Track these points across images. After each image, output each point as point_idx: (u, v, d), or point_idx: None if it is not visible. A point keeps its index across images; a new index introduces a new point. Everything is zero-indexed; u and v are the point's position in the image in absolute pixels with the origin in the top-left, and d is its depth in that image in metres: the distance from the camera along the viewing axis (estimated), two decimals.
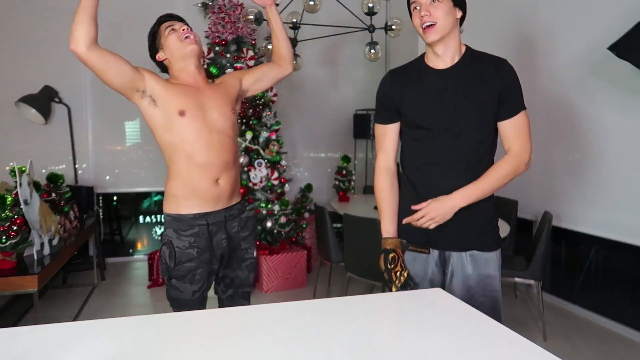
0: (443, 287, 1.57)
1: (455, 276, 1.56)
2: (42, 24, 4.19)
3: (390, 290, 1.54)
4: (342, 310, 1.18)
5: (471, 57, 1.54)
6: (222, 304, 1.96)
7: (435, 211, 1.47)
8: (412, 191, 1.61)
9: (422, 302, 1.20)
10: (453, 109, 1.49)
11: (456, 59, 1.53)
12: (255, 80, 1.96)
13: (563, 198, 3.31)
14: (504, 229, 2.83)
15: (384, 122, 1.65)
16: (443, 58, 1.53)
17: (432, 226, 1.49)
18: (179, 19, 1.85)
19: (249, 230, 1.91)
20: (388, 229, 1.62)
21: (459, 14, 1.52)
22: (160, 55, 1.83)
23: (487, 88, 1.47)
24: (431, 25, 1.46)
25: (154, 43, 1.85)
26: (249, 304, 1.94)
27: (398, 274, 1.53)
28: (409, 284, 1.52)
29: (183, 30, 1.78)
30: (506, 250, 3.44)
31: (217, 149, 1.72)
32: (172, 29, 1.79)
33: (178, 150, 1.69)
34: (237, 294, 1.93)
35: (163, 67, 1.89)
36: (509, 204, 3.54)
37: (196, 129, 1.69)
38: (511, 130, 1.51)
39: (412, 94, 1.56)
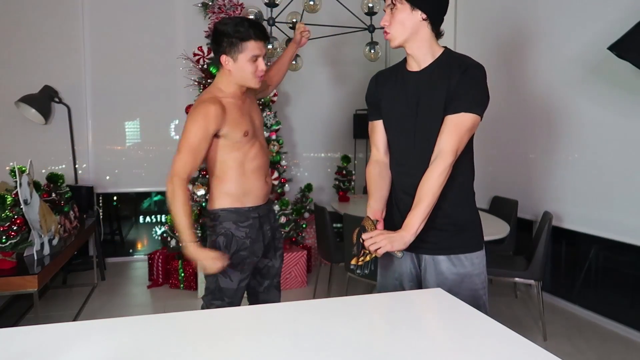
0: (420, 284, 1.59)
1: (429, 273, 1.54)
2: (43, 24, 4.19)
3: (349, 264, 1.53)
4: (342, 310, 1.18)
5: (444, 60, 1.50)
6: (256, 298, 2.05)
7: (382, 242, 1.42)
8: (393, 193, 1.64)
9: (422, 302, 1.20)
10: (416, 112, 1.51)
11: (428, 62, 1.52)
12: (269, 79, 2.18)
13: (563, 198, 3.31)
14: (504, 229, 2.83)
15: (371, 118, 1.71)
16: (416, 61, 1.53)
17: (380, 252, 1.43)
18: (268, 39, 1.87)
19: (278, 222, 2.15)
20: (373, 206, 1.62)
21: (422, 15, 1.46)
22: (225, 61, 1.80)
23: (445, 90, 1.45)
24: (386, 33, 1.51)
25: (230, 43, 1.76)
26: (280, 294, 2.10)
27: (366, 252, 1.47)
28: (370, 268, 1.46)
29: (262, 69, 1.80)
30: (506, 250, 3.45)
31: (262, 154, 1.91)
32: (254, 60, 1.78)
33: (235, 160, 1.83)
34: (272, 284, 2.05)
35: (217, 57, 1.86)
36: (509, 204, 3.54)
37: (251, 142, 1.86)
38: (447, 126, 1.43)
39: (388, 95, 1.61)
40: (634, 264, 2.92)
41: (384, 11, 1.54)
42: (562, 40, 3.27)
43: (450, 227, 1.52)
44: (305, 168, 4.97)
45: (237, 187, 1.85)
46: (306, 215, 4.18)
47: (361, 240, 1.47)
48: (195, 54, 4.02)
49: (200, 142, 1.73)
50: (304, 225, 4.13)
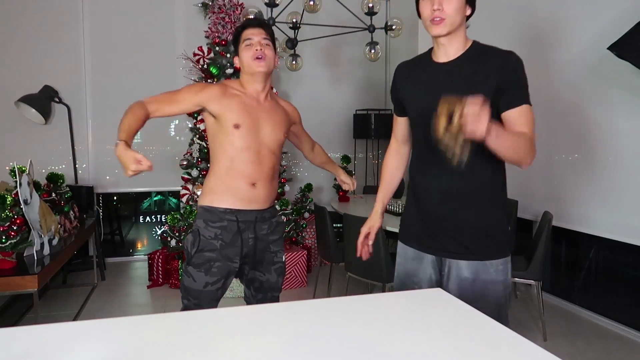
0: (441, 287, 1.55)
1: (451, 279, 1.49)
2: (43, 24, 4.19)
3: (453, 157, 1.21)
4: (342, 310, 1.18)
5: (476, 51, 1.50)
6: None
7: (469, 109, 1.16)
8: (411, 193, 1.61)
9: (422, 302, 1.20)
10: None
11: (459, 53, 1.50)
12: (296, 138, 2.21)
13: (563, 198, 3.31)
14: None
15: (396, 113, 1.71)
16: (446, 52, 1.50)
17: (477, 130, 1.16)
18: (262, 25, 1.86)
19: (279, 234, 1.97)
20: (380, 198, 1.75)
21: (469, 10, 1.49)
22: (236, 62, 1.91)
23: (484, 81, 1.42)
24: (441, 19, 1.44)
25: (236, 45, 1.89)
26: None
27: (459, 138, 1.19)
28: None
29: (257, 50, 1.80)
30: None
31: (259, 161, 1.83)
32: (249, 44, 1.82)
33: (225, 153, 1.81)
34: (266, 297, 1.97)
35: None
36: (509, 204, 3.54)
37: (246, 141, 1.80)
38: (518, 119, 1.41)
39: (411, 86, 1.57)
40: (634, 264, 2.92)
41: None
42: (562, 40, 3.27)
43: (477, 231, 1.45)
44: (305, 168, 4.97)
45: (218, 183, 1.83)
46: (306, 215, 4.18)
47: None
48: (195, 54, 4.02)
49: (182, 96, 1.77)
50: (304, 225, 4.13)
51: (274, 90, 4.16)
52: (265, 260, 1.93)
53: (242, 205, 1.82)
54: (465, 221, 1.44)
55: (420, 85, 1.54)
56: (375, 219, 1.75)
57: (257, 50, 1.79)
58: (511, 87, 1.43)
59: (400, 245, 1.64)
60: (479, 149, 1.33)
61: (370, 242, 1.73)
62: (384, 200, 1.76)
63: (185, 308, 1.84)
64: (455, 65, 1.48)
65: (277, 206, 3.97)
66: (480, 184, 1.43)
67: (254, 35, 1.81)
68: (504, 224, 1.49)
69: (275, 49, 1.88)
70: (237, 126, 1.78)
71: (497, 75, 1.42)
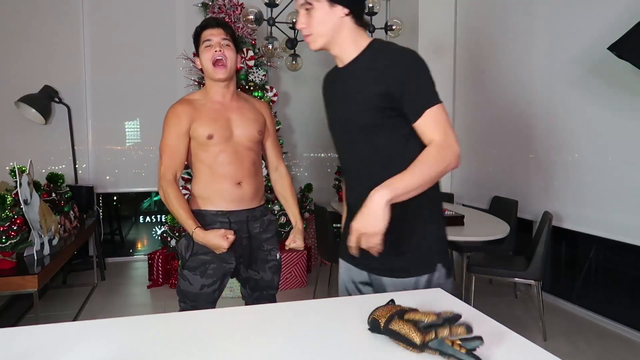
0: None
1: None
2: (43, 24, 4.19)
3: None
4: (342, 310, 1.18)
5: (370, 53, 1.33)
6: None
7: (357, 224, 1.18)
8: (347, 209, 1.51)
9: (422, 302, 1.20)
10: (343, 111, 1.38)
11: (352, 58, 1.35)
12: (263, 142, 2.02)
13: (563, 198, 3.31)
14: (504, 229, 2.83)
15: None
16: (340, 58, 1.38)
17: (373, 248, 1.20)
18: (221, 25, 1.81)
19: (272, 232, 1.96)
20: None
21: (343, 11, 1.30)
22: (197, 63, 1.88)
23: (370, 88, 1.28)
24: (307, 35, 1.34)
25: (196, 46, 1.86)
26: None
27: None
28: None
29: (216, 51, 1.76)
30: (506, 250, 3.45)
31: (239, 160, 1.82)
32: (208, 45, 1.78)
33: (204, 160, 1.81)
34: (262, 296, 1.97)
35: None
36: (509, 204, 3.54)
37: (222, 146, 1.79)
38: (426, 130, 1.26)
39: (326, 97, 1.52)
40: (634, 264, 2.92)
41: (296, 11, 1.36)
42: (562, 40, 3.27)
43: (396, 250, 1.33)
44: (305, 168, 4.97)
45: (203, 187, 1.82)
46: (306, 215, 4.18)
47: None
48: (195, 54, 4.02)
49: (176, 140, 1.78)
50: (304, 225, 4.13)
51: (274, 91, 4.17)
52: (259, 259, 1.92)
53: (232, 206, 1.82)
54: (386, 239, 1.22)
55: (328, 97, 1.49)
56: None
57: (216, 51, 1.76)
58: (406, 93, 1.25)
59: (340, 259, 1.57)
60: (379, 160, 1.33)
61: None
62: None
63: (182, 311, 1.84)
64: (348, 71, 1.36)
65: (272, 206, 3.97)
66: (400, 205, 1.23)
67: (213, 36, 1.78)
68: (429, 240, 1.37)
69: (237, 49, 1.83)
70: (210, 136, 1.78)
71: (384, 81, 1.26)
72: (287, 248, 2.00)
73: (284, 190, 2.07)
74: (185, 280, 1.80)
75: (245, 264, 1.91)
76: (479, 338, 0.90)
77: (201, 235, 1.69)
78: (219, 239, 1.68)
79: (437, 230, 1.40)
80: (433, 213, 1.40)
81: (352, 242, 1.22)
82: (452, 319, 0.91)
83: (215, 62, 1.76)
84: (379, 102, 1.28)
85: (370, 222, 1.17)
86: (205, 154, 1.80)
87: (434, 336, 0.90)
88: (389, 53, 1.29)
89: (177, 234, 3.84)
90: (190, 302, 1.81)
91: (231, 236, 1.70)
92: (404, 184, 1.19)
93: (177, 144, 1.78)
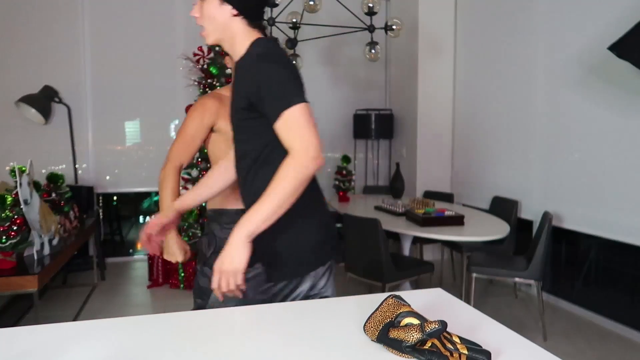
0: None
1: None
2: (43, 24, 4.19)
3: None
4: (342, 310, 1.18)
5: (247, 54, 1.32)
6: None
7: (217, 263, 1.22)
8: None
9: (422, 302, 1.20)
10: (231, 105, 1.40)
11: (237, 58, 1.35)
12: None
13: (563, 198, 3.31)
14: (504, 229, 2.83)
15: None
16: (231, 56, 1.38)
17: (235, 290, 1.22)
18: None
19: None
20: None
21: (232, 11, 1.28)
22: (227, 61, 1.90)
23: (243, 87, 1.29)
24: (202, 30, 1.34)
25: None
26: None
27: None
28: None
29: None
30: (506, 250, 3.45)
31: None
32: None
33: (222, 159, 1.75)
34: None
35: None
36: (509, 204, 3.54)
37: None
38: (283, 138, 1.22)
39: None
40: (634, 264, 2.92)
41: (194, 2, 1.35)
42: (562, 40, 3.27)
43: (267, 254, 1.33)
44: None
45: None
46: None
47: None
48: (195, 54, 4.02)
49: (195, 132, 1.77)
50: None
51: None
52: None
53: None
54: (258, 244, 1.26)
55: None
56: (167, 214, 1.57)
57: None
58: (260, 100, 1.23)
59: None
60: (253, 162, 1.32)
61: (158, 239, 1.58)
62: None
63: (198, 307, 1.84)
64: (237, 68, 1.35)
65: None
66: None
67: None
68: (298, 250, 1.34)
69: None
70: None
71: (247, 84, 1.26)
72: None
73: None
74: (205, 276, 1.80)
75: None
76: (486, 353, 0.89)
77: (171, 235, 1.70)
78: (177, 249, 1.71)
79: (309, 238, 1.36)
80: (306, 223, 1.34)
81: (214, 284, 1.22)
82: (435, 333, 0.89)
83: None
84: (246, 105, 1.28)
85: (229, 260, 1.20)
86: (231, 151, 1.76)
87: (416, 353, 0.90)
88: (252, 55, 1.28)
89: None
90: (209, 298, 1.80)
91: (188, 255, 1.73)
92: (260, 214, 1.19)
93: (195, 135, 1.78)
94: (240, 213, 1.70)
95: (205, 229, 1.89)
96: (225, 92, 1.85)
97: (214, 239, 1.81)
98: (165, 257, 1.75)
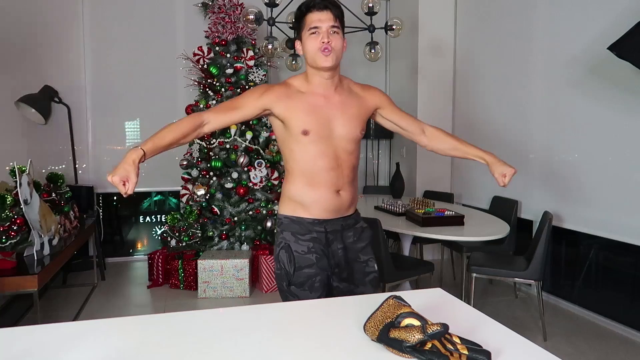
0: None
1: None
2: (43, 25, 4.19)
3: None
4: (342, 310, 1.18)
5: None
6: None
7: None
8: None
9: (422, 302, 1.20)
10: None
11: None
12: (391, 123, 1.82)
13: (563, 198, 3.31)
14: (504, 229, 2.83)
15: None
16: None
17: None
18: (330, 8, 1.58)
19: (366, 240, 1.78)
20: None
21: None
22: (298, 48, 1.67)
23: None
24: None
25: (298, 27, 1.65)
26: None
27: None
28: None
29: (324, 42, 1.55)
30: (506, 250, 3.45)
31: (338, 166, 1.65)
32: (314, 33, 1.58)
33: (300, 161, 1.66)
34: None
35: None
36: (509, 203, 3.54)
37: (320, 147, 1.63)
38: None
39: None
40: (634, 264, 2.92)
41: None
42: (562, 40, 3.27)
43: None
44: None
45: (301, 193, 1.67)
46: None
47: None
48: (195, 54, 4.02)
49: (243, 100, 1.63)
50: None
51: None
52: (356, 271, 1.72)
53: (329, 214, 1.67)
54: None
55: None
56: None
57: (324, 42, 1.55)
58: None
59: None
60: None
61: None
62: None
63: None
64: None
65: (272, 205, 3.96)
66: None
67: (322, 23, 1.56)
68: None
69: (343, 31, 1.65)
70: (305, 132, 1.61)
71: None
72: (502, 185, 1.68)
73: (445, 143, 1.80)
74: (294, 296, 1.65)
75: (342, 277, 1.72)
76: (486, 353, 0.89)
77: (128, 158, 1.42)
78: (120, 175, 1.37)
79: None
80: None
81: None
82: (436, 335, 0.90)
83: (323, 51, 1.56)
84: None
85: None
86: (302, 154, 1.64)
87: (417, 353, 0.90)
88: None
89: (177, 234, 3.84)
90: None
91: (123, 189, 1.36)
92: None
93: (241, 103, 1.62)
94: (317, 224, 1.65)
95: (276, 237, 1.73)
96: (296, 82, 1.69)
97: (292, 253, 1.65)
98: (109, 176, 1.38)
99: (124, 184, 1.36)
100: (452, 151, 1.80)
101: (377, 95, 1.80)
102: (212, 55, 4.00)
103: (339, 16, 1.60)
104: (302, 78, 1.69)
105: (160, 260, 3.84)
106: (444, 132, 1.83)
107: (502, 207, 3.57)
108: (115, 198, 4.61)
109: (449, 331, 0.91)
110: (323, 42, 1.55)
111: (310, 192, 1.65)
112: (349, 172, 1.68)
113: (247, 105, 1.62)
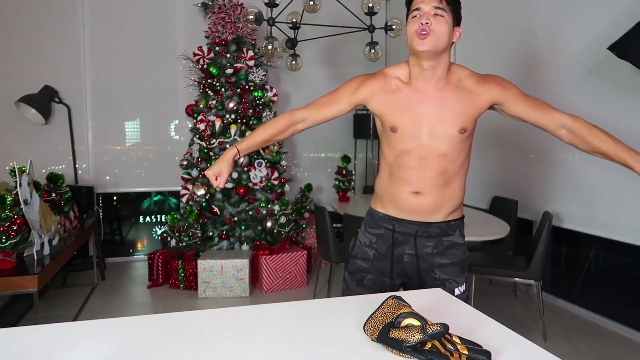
0: None
1: None
2: (43, 24, 4.19)
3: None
4: (342, 310, 1.18)
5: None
6: None
7: None
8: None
9: (422, 302, 1.20)
10: None
11: None
12: (517, 118, 1.65)
13: (563, 198, 3.31)
14: (504, 229, 2.83)
15: None
16: None
17: None
18: None
19: (452, 259, 1.58)
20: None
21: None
22: (404, 37, 1.53)
23: None
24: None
25: (407, 13, 1.52)
26: None
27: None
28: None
29: (422, 24, 1.40)
30: (506, 250, 3.45)
31: (422, 166, 1.51)
32: (415, 16, 1.44)
33: (386, 155, 1.60)
34: None
35: None
36: (509, 204, 3.54)
37: (407, 144, 1.52)
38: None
39: None
40: (634, 264, 2.92)
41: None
42: (562, 40, 3.27)
43: None
44: (305, 168, 4.97)
45: (381, 188, 1.62)
46: (306, 215, 4.19)
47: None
48: (195, 54, 4.02)
49: (338, 95, 1.60)
50: (304, 225, 4.13)
51: (273, 91, 4.16)
52: (426, 286, 1.55)
53: (402, 214, 1.56)
54: None
55: None
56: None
57: (422, 24, 1.40)
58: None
59: None
60: None
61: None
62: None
63: None
64: None
65: (272, 205, 3.95)
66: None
67: (424, 4, 1.42)
68: None
69: (457, 19, 1.50)
70: (394, 129, 1.51)
71: None
72: None
73: (603, 143, 1.59)
74: (345, 282, 1.66)
75: (407, 288, 1.63)
76: (486, 353, 0.89)
77: (224, 155, 1.54)
78: (215, 172, 1.52)
79: None
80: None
81: None
82: (436, 335, 0.90)
83: (420, 34, 1.41)
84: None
85: None
86: (388, 149, 1.57)
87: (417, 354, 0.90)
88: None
89: (177, 234, 3.84)
90: None
91: (216, 183, 1.51)
92: None
93: (332, 103, 1.59)
94: (387, 220, 1.59)
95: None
96: (397, 72, 1.57)
97: (355, 241, 1.64)
98: (206, 171, 1.54)
99: (216, 178, 1.51)
100: (604, 153, 1.59)
101: (494, 89, 1.60)
102: (212, 55, 4.00)
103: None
104: (403, 68, 1.56)
105: (160, 260, 3.84)
106: (595, 127, 1.59)
107: (502, 207, 3.57)
108: (115, 198, 4.61)
109: (449, 331, 0.91)
110: (421, 24, 1.40)
111: (388, 187, 1.59)
112: (435, 174, 1.51)
113: (342, 101, 1.59)
